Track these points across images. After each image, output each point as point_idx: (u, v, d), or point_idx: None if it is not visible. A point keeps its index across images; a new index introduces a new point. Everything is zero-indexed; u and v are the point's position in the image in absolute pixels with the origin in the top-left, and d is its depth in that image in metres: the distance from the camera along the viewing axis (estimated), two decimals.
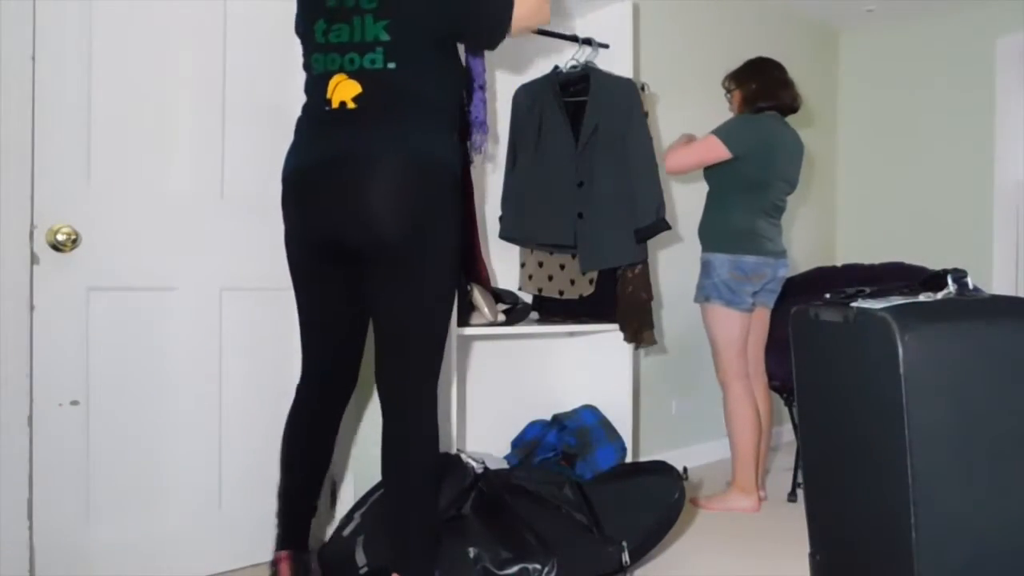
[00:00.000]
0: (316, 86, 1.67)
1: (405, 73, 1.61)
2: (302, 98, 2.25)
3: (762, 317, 2.83)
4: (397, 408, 1.66)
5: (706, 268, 2.74)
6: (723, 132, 2.67)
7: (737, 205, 2.69)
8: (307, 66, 1.73)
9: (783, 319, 2.69)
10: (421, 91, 1.64)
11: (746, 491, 2.73)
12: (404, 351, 1.65)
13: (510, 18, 1.70)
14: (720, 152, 2.64)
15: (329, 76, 1.64)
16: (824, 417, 1.69)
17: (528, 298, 2.75)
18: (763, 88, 2.75)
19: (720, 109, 3.49)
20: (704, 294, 2.75)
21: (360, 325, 1.80)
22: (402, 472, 1.65)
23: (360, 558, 1.84)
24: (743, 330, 2.71)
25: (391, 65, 1.60)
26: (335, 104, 1.62)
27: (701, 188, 3.37)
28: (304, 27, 1.73)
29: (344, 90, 1.62)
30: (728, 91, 2.88)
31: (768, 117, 2.73)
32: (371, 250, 1.61)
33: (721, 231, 2.72)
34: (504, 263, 2.76)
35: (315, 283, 1.76)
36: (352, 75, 1.62)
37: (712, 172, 2.76)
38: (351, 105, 1.61)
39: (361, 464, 2.32)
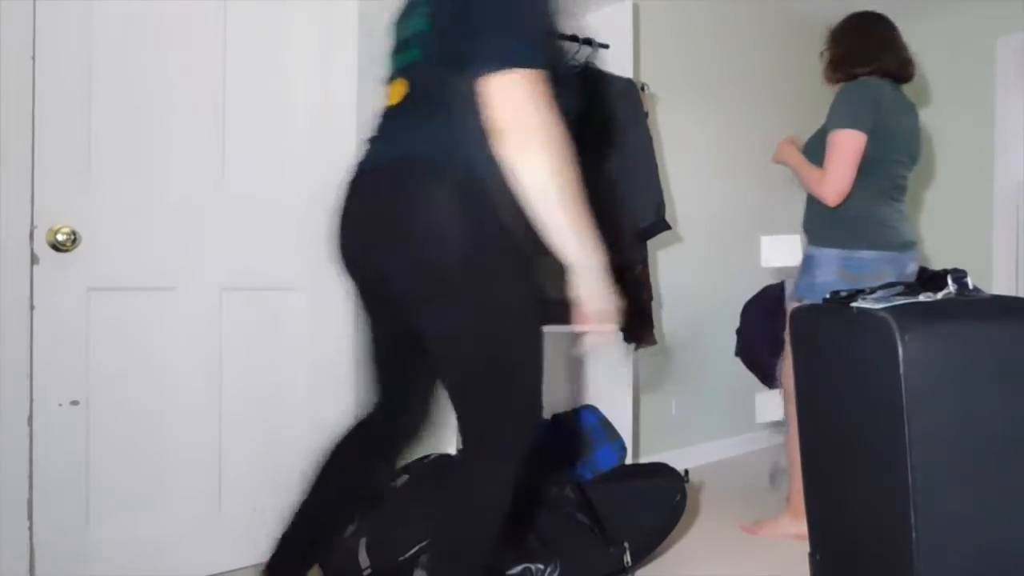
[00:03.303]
0: None
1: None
2: (301, 96, 2.26)
3: None
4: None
5: (807, 264, 2.34)
6: (843, 118, 2.24)
7: (852, 188, 2.25)
8: None
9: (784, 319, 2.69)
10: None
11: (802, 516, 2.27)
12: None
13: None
14: (860, 140, 2.20)
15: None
16: (824, 417, 1.69)
17: None
18: (858, 49, 2.32)
19: (721, 109, 3.50)
20: (799, 294, 2.30)
21: None
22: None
23: (363, 560, 1.84)
24: None
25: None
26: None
27: (700, 187, 3.38)
28: None
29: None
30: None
31: (873, 82, 2.28)
32: None
33: (832, 221, 2.29)
34: None
35: None
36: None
37: (817, 151, 2.33)
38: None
39: None
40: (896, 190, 2.33)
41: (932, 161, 3.90)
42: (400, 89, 1.41)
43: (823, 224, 2.33)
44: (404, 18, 1.46)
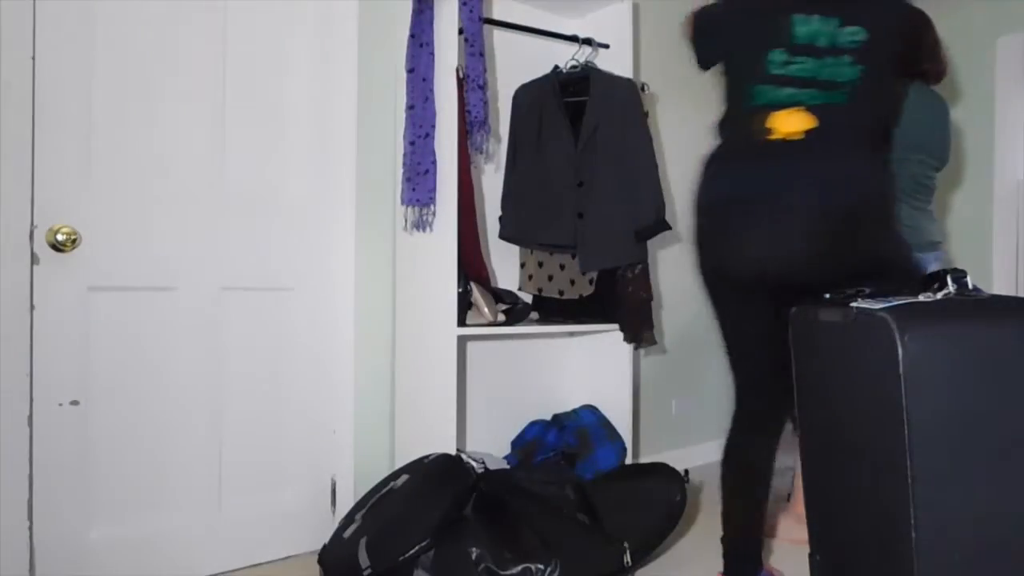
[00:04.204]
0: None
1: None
2: (301, 97, 2.26)
3: None
4: None
5: None
6: None
7: None
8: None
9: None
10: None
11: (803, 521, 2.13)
12: None
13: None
14: None
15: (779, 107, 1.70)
16: (824, 417, 1.69)
17: (528, 298, 2.75)
18: None
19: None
20: None
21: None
22: None
23: (363, 560, 1.84)
24: None
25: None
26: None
27: None
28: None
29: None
30: None
31: None
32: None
33: None
34: (504, 263, 2.76)
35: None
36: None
37: None
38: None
39: (361, 464, 2.32)
40: (917, 189, 2.31)
41: None
42: (803, 121, 1.65)
43: None
44: (811, 55, 1.68)
